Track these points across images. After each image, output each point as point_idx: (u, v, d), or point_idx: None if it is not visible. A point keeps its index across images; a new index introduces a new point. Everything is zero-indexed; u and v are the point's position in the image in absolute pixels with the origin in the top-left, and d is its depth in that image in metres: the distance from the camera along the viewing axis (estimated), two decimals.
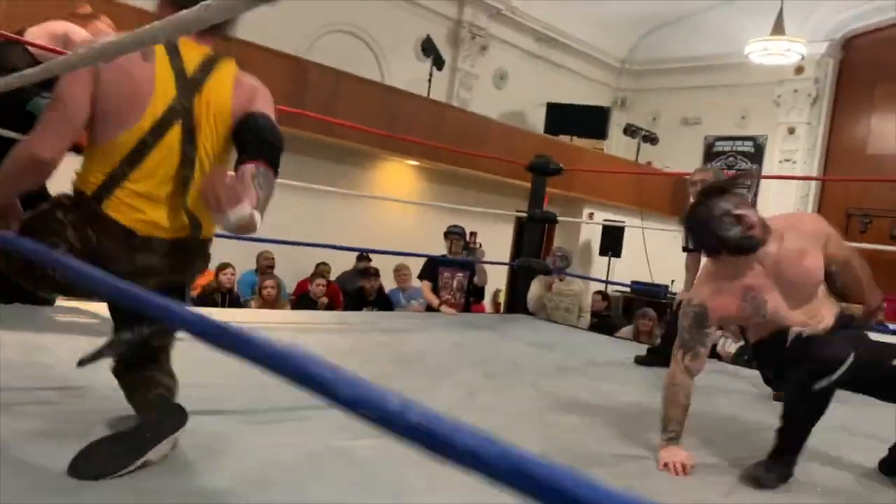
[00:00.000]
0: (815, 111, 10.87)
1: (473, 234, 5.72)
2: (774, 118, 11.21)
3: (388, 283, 6.56)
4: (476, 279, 5.07)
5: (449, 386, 2.61)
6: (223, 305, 5.25)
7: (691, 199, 3.51)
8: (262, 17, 8.43)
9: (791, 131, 10.97)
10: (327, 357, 2.37)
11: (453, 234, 5.16)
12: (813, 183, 10.76)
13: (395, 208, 8.72)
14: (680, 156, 11.54)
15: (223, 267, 5.54)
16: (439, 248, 5.88)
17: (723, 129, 11.77)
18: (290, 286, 6.84)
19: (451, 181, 8.91)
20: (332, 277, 6.88)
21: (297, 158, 7.39)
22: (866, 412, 2.49)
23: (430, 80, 8.76)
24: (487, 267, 5.52)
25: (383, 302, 6.04)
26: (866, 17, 10.33)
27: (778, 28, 9.05)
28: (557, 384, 2.96)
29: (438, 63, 8.94)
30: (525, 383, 2.87)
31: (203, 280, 6.01)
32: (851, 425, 2.57)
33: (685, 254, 3.65)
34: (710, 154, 11.76)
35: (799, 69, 10.56)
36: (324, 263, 6.87)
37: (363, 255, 7.16)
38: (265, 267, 6.60)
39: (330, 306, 5.91)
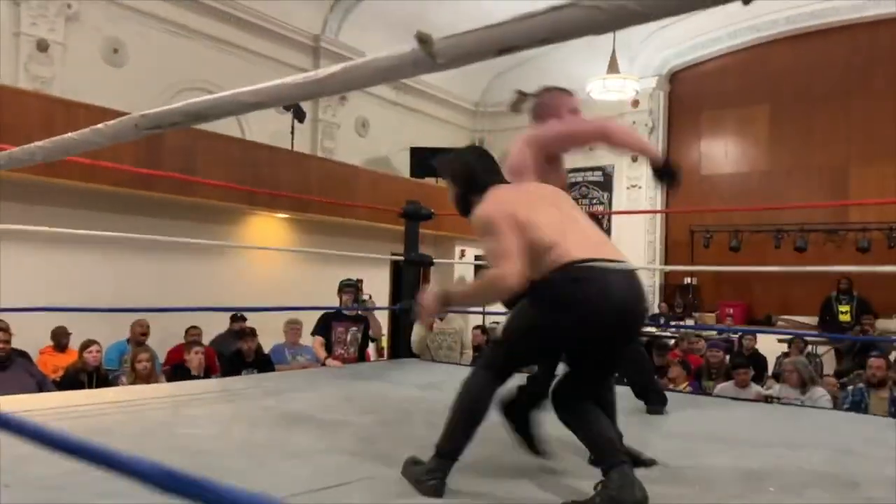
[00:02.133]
0: (653, 139, 11.88)
1: (360, 281, 5.73)
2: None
3: (268, 341, 6.37)
4: (371, 332, 5.06)
5: (343, 440, 2.60)
6: (90, 386, 4.88)
7: None
8: (113, 80, 8.11)
9: (634, 159, 11.88)
10: (213, 427, 2.34)
11: (347, 286, 5.14)
12: (659, 205, 11.70)
13: (269, 264, 8.54)
14: None
15: (87, 344, 5.16)
16: (324, 299, 5.82)
17: (574, 162, 12.55)
18: (159, 354, 6.47)
19: (323, 231, 8.88)
20: (205, 340, 6.58)
21: (153, 221, 7.10)
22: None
23: (292, 133, 8.74)
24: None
25: (263, 362, 5.85)
26: (685, 54, 11.53)
27: (613, 67, 9.87)
28: None
29: (299, 115, 8.94)
30: (419, 426, 2.90)
31: (65, 360, 5.58)
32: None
33: None
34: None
35: (635, 102, 11.54)
36: (194, 327, 6.56)
37: (237, 315, 6.92)
38: (139, 335, 6.22)
39: (206, 373, 5.66)
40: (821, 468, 2.39)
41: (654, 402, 3.38)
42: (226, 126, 8.21)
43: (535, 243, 1.97)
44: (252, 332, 5.94)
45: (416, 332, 5.44)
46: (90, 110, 6.09)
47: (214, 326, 6.97)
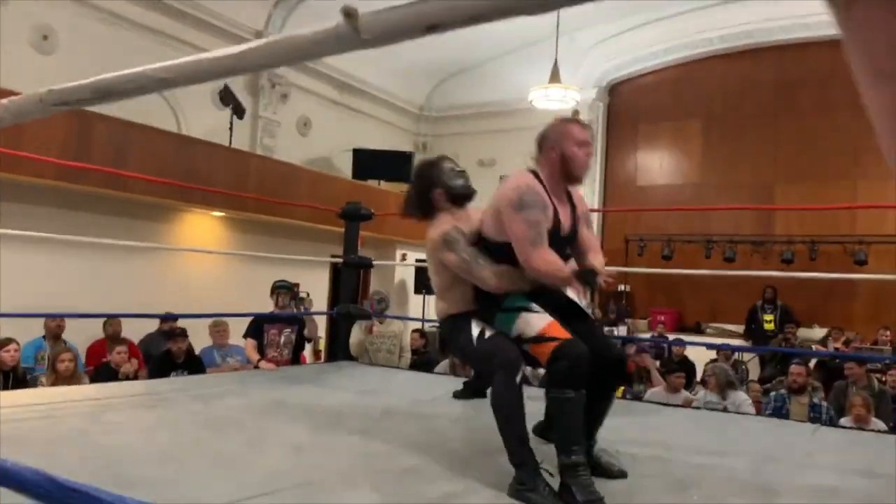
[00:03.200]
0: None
1: (296, 285, 5.63)
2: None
3: (200, 342, 6.18)
4: (306, 332, 4.97)
5: (272, 447, 2.53)
6: (7, 387, 4.62)
7: None
8: (42, 67, 7.73)
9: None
10: (135, 433, 2.24)
11: (280, 288, 5.02)
12: (595, 213, 11.93)
13: (204, 263, 8.30)
14: (480, 195, 12.18)
15: (4, 343, 4.88)
16: (260, 302, 5.69)
17: (502, 169, 12.72)
18: (80, 350, 6.20)
19: (260, 230, 8.69)
20: (133, 339, 6.33)
21: (81, 215, 6.81)
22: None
23: (231, 129, 8.53)
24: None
25: (194, 364, 5.67)
26: (624, 67, 11.81)
27: (554, 77, 10.03)
28: (384, 428, 2.99)
29: (239, 112, 8.74)
30: (353, 432, 2.86)
31: None
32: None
33: None
34: None
35: (575, 112, 11.74)
36: (111, 319, 6.30)
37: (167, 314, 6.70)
38: (55, 332, 5.94)
39: (133, 375, 5.44)
40: (743, 476, 2.47)
41: None
42: (161, 120, 7.95)
43: None
44: (182, 333, 5.75)
45: (355, 334, 5.39)
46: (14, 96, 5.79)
47: (143, 326, 6.73)
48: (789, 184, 10.44)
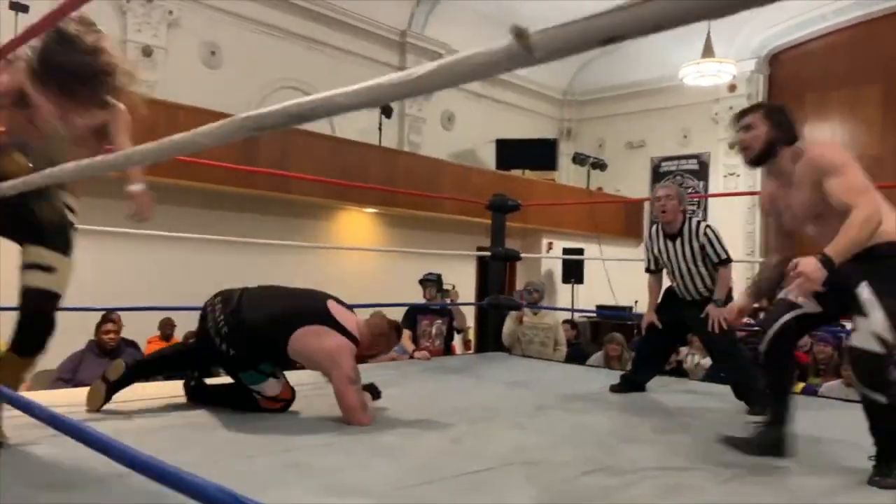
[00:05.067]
0: None
1: (439, 275, 5.76)
2: (715, 135, 11.61)
3: None
4: (455, 323, 5.10)
5: (431, 436, 2.60)
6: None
7: (654, 215, 3.62)
8: (210, 81, 8.45)
9: (731, 146, 11.35)
10: (306, 422, 2.36)
11: (428, 280, 5.20)
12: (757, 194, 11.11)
13: (359, 258, 8.71)
14: (629, 179, 11.85)
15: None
16: (409, 293, 5.88)
17: (667, 150, 12.13)
18: None
19: (410, 224, 8.97)
20: None
21: (250, 217, 7.38)
22: None
23: (380, 129, 8.86)
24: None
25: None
26: (786, 35, 10.87)
27: (708, 51, 9.45)
28: (538, 422, 2.97)
29: (387, 111, 9.06)
30: (507, 425, 2.87)
31: None
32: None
33: (647, 275, 3.72)
34: (657, 174, 12.08)
35: (731, 87, 11.01)
36: None
37: None
38: None
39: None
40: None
41: (756, 404, 3.21)
42: (316, 124, 8.43)
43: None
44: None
45: (508, 325, 5.41)
46: (188, 111, 6.38)
47: None
48: None
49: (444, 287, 5.64)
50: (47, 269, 2.11)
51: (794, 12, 10.36)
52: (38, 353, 2.14)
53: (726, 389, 3.41)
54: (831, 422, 3.05)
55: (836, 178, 2.17)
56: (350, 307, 3.07)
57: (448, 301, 5.73)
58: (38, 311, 2.11)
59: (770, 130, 2.37)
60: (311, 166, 7.08)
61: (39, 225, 2.13)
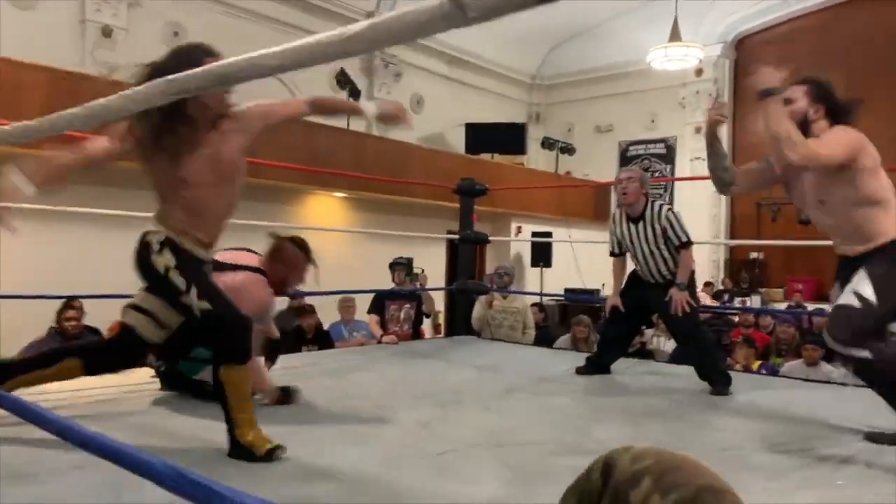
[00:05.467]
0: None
1: (410, 259, 5.75)
2: (682, 119, 11.74)
3: (325, 318, 6.47)
4: (424, 307, 5.08)
5: (401, 421, 2.60)
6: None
7: (617, 199, 3.64)
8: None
9: (698, 130, 11.46)
10: (275, 408, 2.33)
11: (398, 265, 5.17)
12: None
13: (327, 242, 8.66)
14: (597, 163, 11.94)
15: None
16: (380, 278, 5.86)
17: (635, 134, 12.23)
18: None
19: (380, 209, 8.93)
20: None
21: None
22: None
23: None
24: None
25: (323, 339, 5.94)
26: (751, 20, 11.02)
27: (675, 35, 9.52)
28: (507, 405, 2.99)
29: (354, 94, 8.97)
30: (476, 408, 2.89)
31: None
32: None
33: (612, 258, 3.76)
34: (625, 158, 12.19)
35: (698, 71, 11.12)
36: None
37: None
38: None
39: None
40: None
41: (719, 384, 3.28)
42: None
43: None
44: (311, 310, 6.04)
45: (477, 309, 5.43)
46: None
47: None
48: None
49: (415, 271, 5.63)
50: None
51: None
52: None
53: (690, 371, 3.48)
54: (794, 400, 3.14)
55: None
56: (252, 251, 2.98)
57: (417, 285, 5.72)
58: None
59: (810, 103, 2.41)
60: (281, 151, 6.99)
61: None
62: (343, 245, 8.81)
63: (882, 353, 2.19)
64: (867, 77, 10.01)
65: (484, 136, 10.77)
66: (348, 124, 8.65)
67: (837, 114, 2.38)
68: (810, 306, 8.30)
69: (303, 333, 5.89)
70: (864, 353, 2.16)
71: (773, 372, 5.39)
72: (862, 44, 10.08)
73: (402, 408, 2.80)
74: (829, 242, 2.49)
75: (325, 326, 6.26)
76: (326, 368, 3.72)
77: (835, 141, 2.25)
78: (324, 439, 2.32)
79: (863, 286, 2.19)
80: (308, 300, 6.56)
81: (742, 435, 2.50)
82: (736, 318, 7.38)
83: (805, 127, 2.35)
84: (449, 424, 2.60)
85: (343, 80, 8.83)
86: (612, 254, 3.73)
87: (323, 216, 8.61)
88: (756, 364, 5.61)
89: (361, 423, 2.55)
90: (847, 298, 2.21)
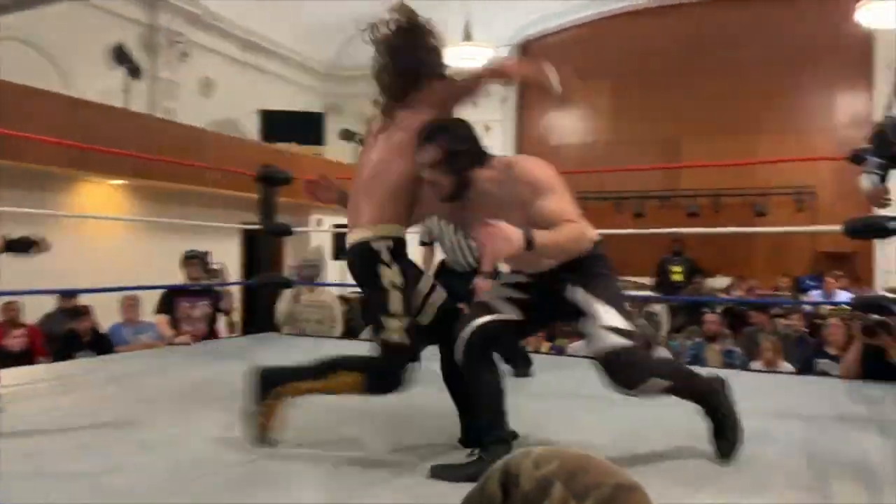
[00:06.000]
0: (506, 109, 12.16)
1: (207, 253, 5.32)
2: (474, 117, 12.24)
3: (103, 319, 5.80)
4: (223, 304, 4.71)
5: (203, 428, 2.38)
6: None
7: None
8: None
9: (487, 129, 12.09)
10: (51, 422, 2.00)
11: (192, 258, 4.71)
12: None
13: (106, 235, 7.78)
14: None
15: None
16: (166, 274, 5.37)
17: None
18: None
19: (164, 199, 8.21)
20: (29, 319, 5.85)
21: None
22: None
23: (127, 91, 7.95)
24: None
25: (101, 343, 5.32)
26: (535, 25, 11.82)
27: (467, 35, 9.90)
28: (318, 402, 2.87)
29: (135, 72, 8.14)
30: (285, 408, 2.73)
31: None
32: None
33: (422, 248, 3.80)
34: None
35: None
36: (10, 303, 5.77)
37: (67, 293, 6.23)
38: None
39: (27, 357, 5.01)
40: (689, 425, 2.51)
41: (521, 366, 3.44)
42: (43, 81, 7.28)
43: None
44: (86, 311, 5.38)
45: (283, 304, 5.19)
46: None
47: (41, 304, 6.24)
48: (695, 139, 10.83)
49: (214, 266, 5.22)
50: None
51: (541, 6, 11.29)
52: None
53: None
54: (582, 379, 3.38)
55: (548, 199, 2.00)
56: None
57: (218, 281, 5.33)
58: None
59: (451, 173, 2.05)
60: (41, 128, 6.11)
61: None
62: (122, 238, 7.98)
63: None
64: (641, 83, 11.26)
65: (280, 125, 10.38)
66: (128, 104, 7.83)
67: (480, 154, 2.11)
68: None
69: (76, 338, 5.23)
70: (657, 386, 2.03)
71: (560, 352, 5.83)
72: (632, 53, 11.27)
73: (204, 414, 2.57)
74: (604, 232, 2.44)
75: (104, 329, 5.62)
76: (111, 375, 3.32)
77: (560, 194, 2.05)
78: (115, 453, 2.04)
79: (606, 318, 1.99)
80: (83, 299, 5.84)
81: (554, 413, 2.63)
82: None
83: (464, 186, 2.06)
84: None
85: (120, 56, 7.99)
86: (421, 243, 3.76)
87: (99, 207, 7.71)
88: (546, 346, 6.03)
89: (157, 432, 2.29)
90: (608, 339, 1.97)
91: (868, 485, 1.85)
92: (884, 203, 2.69)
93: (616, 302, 1.99)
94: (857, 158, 3.45)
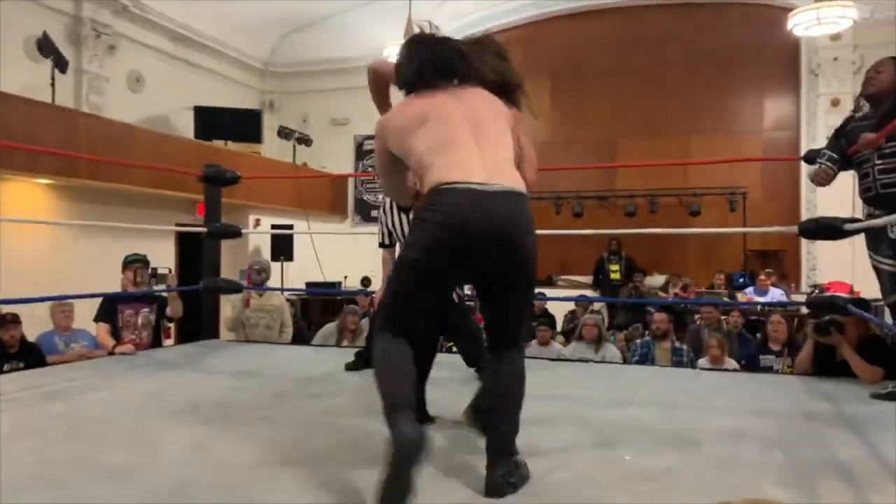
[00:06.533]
0: None
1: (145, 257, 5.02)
2: None
3: (30, 329, 5.41)
4: (169, 311, 4.44)
5: (165, 446, 2.22)
6: None
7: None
8: None
9: None
10: (8, 448, 1.77)
11: (135, 262, 4.41)
12: None
13: (31, 239, 7.31)
14: (334, 156, 11.86)
15: None
16: (100, 280, 5.07)
17: (370, 129, 12.33)
18: None
19: (92, 198, 7.79)
20: None
21: None
22: None
23: (53, 85, 7.50)
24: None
25: (30, 353, 4.96)
26: (476, 25, 11.74)
27: (408, 32, 9.81)
28: (283, 412, 2.75)
29: (60, 63, 7.69)
30: (250, 419, 2.59)
31: None
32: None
33: (381, 250, 3.68)
34: (360, 152, 12.29)
35: None
36: None
37: None
38: None
39: None
40: (657, 426, 2.52)
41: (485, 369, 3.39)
42: None
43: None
44: (14, 319, 5.01)
45: (230, 309, 4.97)
46: None
47: None
48: (630, 139, 11.08)
49: (161, 272, 4.95)
50: None
51: (481, 5, 11.31)
52: None
53: (457, 359, 3.55)
54: (543, 378, 3.36)
55: None
56: None
57: (165, 286, 5.05)
58: None
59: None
60: None
61: None
62: (48, 239, 7.53)
63: None
64: (578, 84, 11.42)
65: (216, 122, 10.04)
66: (53, 99, 7.39)
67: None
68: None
69: (2, 348, 4.87)
70: None
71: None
72: (570, 54, 11.43)
73: (163, 430, 2.41)
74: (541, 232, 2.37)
75: (32, 338, 5.25)
76: (49, 391, 3.08)
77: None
78: (72, 482, 1.86)
79: None
80: (7, 309, 5.44)
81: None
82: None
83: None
84: (225, 443, 2.28)
85: (46, 47, 7.53)
86: (381, 245, 3.65)
87: (21, 208, 7.23)
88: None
89: (117, 455, 2.12)
90: None
91: (853, 483, 1.88)
92: (821, 182, 3.17)
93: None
94: (808, 160, 3.60)
